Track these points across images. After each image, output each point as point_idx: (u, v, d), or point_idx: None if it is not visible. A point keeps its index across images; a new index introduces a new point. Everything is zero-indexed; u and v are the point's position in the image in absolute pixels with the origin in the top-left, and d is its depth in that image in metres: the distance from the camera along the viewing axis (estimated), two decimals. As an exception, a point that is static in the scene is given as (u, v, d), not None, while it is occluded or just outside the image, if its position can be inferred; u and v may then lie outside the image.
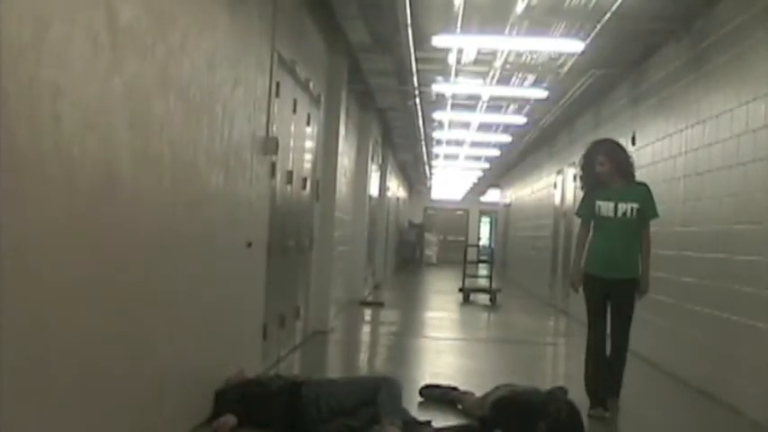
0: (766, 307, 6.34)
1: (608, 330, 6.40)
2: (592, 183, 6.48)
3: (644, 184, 6.47)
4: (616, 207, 6.27)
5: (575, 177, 14.58)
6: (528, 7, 8.25)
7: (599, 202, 6.33)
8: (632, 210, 6.24)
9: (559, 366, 10.14)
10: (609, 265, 6.30)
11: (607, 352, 6.38)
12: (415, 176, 30.12)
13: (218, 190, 5.39)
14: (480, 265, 22.99)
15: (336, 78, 10.21)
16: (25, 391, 3.07)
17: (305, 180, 8.69)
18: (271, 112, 6.67)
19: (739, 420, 6.59)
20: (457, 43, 9.82)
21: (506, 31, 8.97)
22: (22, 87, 2.94)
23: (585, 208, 6.49)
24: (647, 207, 6.32)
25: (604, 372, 6.33)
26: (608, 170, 6.34)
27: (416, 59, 10.40)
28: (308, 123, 8.71)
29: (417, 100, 13.31)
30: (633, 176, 6.47)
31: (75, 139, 3.34)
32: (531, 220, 20.83)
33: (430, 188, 34.54)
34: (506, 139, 18.09)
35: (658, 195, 6.65)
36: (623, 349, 6.36)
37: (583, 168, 6.54)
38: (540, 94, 12.03)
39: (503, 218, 29.49)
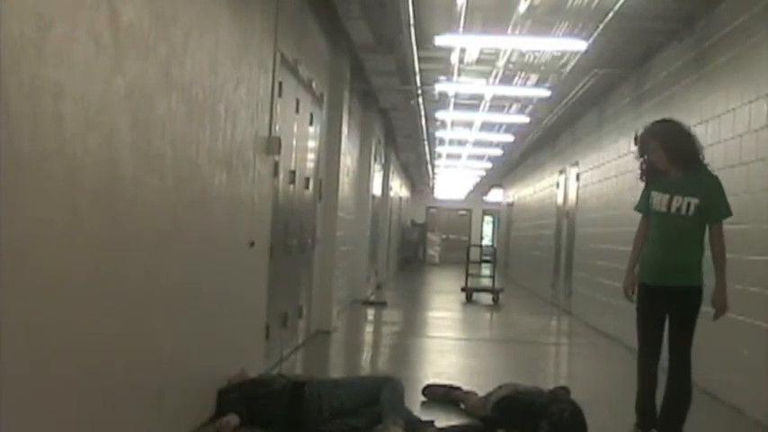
0: (769, 307, 6.33)
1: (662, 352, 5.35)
2: (649, 171, 5.44)
3: (713, 176, 5.29)
4: (670, 201, 5.19)
5: (577, 177, 14.58)
6: (530, 7, 8.25)
7: (654, 193, 5.30)
8: (689, 205, 5.13)
9: (562, 366, 10.13)
10: (659, 271, 5.24)
11: (661, 377, 5.30)
12: (418, 176, 30.12)
13: (221, 190, 5.40)
14: (483, 264, 22.98)
15: (339, 78, 10.21)
16: (25, 391, 3.08)
17: (308, 180, 8.70)
18: (273, 111, 6.67)
19: (741, 419, 6.58)
20: (459, 43, 9.81)
21: (509, 30, 8.96)
22: (24, 86, 2.95)
23: (642, 200, 5.45)
24: (712, 204, 5.15)
25: (657, 402, 5.29)
26: (661, 158, 5.29)
27: (419, 59, 10.41)
28: (311, 123, 8.71)
29: (420, 99, 13.32)
30: (698, 165, 5.30)
31: (76, 138, 3.35)
32: (533, 219, 20.82)
33: (432, 188, 34.53)
34: (509, 138, 18.08)
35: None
36: (682, 377, 5.16)
37: (640, 155, 5.50)
38: (543, 93, 12.02)
39: (505, 217, 29.47)
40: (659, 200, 5.24)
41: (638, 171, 5.54)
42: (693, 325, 5.15)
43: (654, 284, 5.24)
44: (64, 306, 3.32)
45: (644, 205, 5.40)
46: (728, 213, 5.21)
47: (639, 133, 5.51)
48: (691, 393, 5.13)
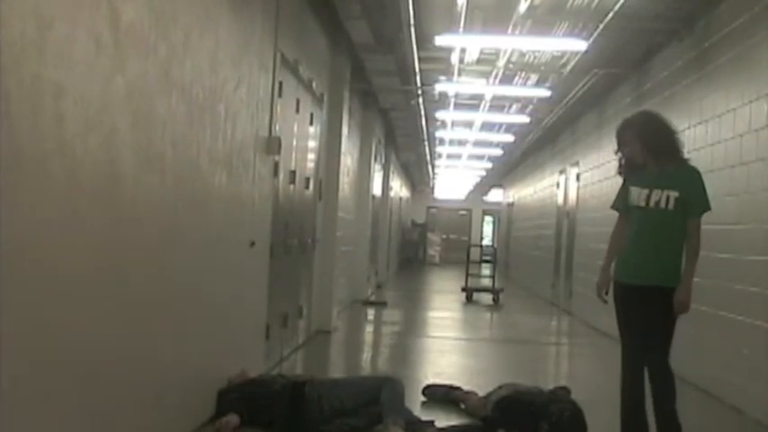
0: (769, 307, 6.32)
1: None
2: (628, 167, 5.19)
3: (693, 169, 5.03)
4: (649, 195, 4.93)
5: (577, 177, 14.58)
6: (531, 7, 8.25)
7: (632, 188, 5.05)
8: (668, 198, 4.89)
9: (562, 366, 10.13)
10: (637, 269, 4.97)
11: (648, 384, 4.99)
12: (418, 176, 30.12)
13: (221, 189, 5.40)
14: (483, 264, 22.98)
15: (339, 78, 10.21)
16: (26, 391, 3.07)
17: (308, 180, 8.70)
18: (274, 111, 6.67)
19: (741, 419, 6.58)
20: (460, 43, 9.81)
21: (509, 30, 8.97)
22: (25, 86, 2.95)
23: (619, 197, 5.20)
24: (692, 196, 4.91)
25: (649, 411, 4.97)
26: (638, 150, 5.03)
27: (419, 59, 10.41)
28: (311, 123, 8.71)
29: (420, 99, 13.33)
30: (677, 158, 5.05)
31: (77, 138, 3.35)
32: (533, 219, 20.82)
33: (433, 188, 34.54)
34: (509, 138, 18.08)
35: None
36: (664, 378, 4.90)
37: (616, 150, 5.26)
38: (543, 93, 12.02)
39: (505, 217, 29.48)
40: (637, 194, 4.99)
41: (617, 166, 5.30)
42: (674, 326, 4.91)
43: (632, 284, 4.96)
44: (64, 306, 3.32)
45: (621, 203, 5.15)
46: (708, 207, 4.98)
47: (619, 125, 5.24)
48: (674, 388, 4.90)
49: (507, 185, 29.02)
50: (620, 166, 5.25)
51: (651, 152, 5.01)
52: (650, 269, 4.93)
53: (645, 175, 5.03)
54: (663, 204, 4.90)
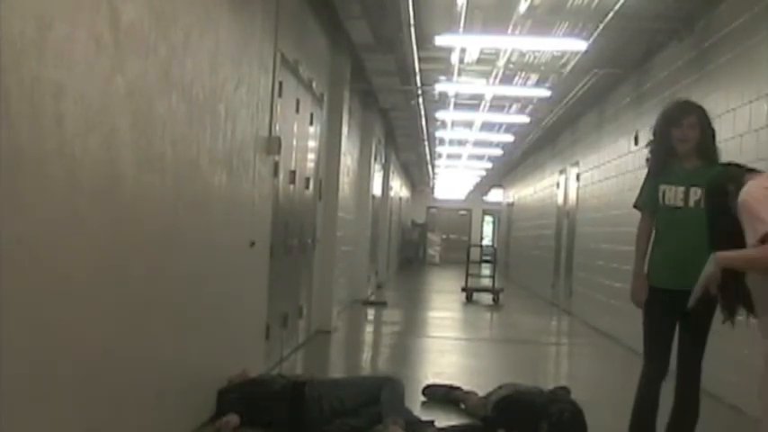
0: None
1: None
2: (664, 157, 4.77)
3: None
4: (687, 193, 4.61)
5: (577, 177, 14.58)
6: (531, 7, 8.25)
7: (663, 186, 4.69)
8: None
9: (562, 366, 10.13)
10: (677, 274, 4.54)
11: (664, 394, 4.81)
12: (418, 176, 30.12)
13: (221, 190, 5.40)
14: (483, 264, 22.98)
15: (339, 78, 10.21)
16: (26, 390, 3.07)
17: (308, 180, 8.70)
18: (274, 111, 6.67)
19: (741, 419, 6.59)
20: (460, 43, 9.82)
21: (509, 30, 8.97)
22: (25, 87, 2.95)
23: (647, 194, 4.80)
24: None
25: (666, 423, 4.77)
26: (694, 137, 4.65)
27: (419, 59, 10.42)
28: (311, 123, 8.71)
29: (420, 99, 13.33)
30: (714, 159, 4.73)
31: (77, 138, 3.35)
32: (533, 219, 20.82)
33: (433, 188, 34.55)
34: (509, 138, 18.09)
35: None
36: (694, 391, 4.80)
37: (660, 130, 4.78)
38: (543, 93, 12.02)
39: (505, 217, 29.47)
40: (673, 193, 4.66)
41: (648, 158, 4.89)
42: (708, 333, 4.72)
43: (670, 289, 4.59)
44: (64, 306, 3.32)
45: (652, 200, 4.75)
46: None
47: (670, 106, 4.86)
48: (698, 409, 4.76)
49: (507, 185, 29.02)
50: (656, 155, 4.83)
51: (702, 144, 4.69)
52: (696, 271, 4.27)
53: (677, 171, 4.71)
54: (703, 203, 4.42)
